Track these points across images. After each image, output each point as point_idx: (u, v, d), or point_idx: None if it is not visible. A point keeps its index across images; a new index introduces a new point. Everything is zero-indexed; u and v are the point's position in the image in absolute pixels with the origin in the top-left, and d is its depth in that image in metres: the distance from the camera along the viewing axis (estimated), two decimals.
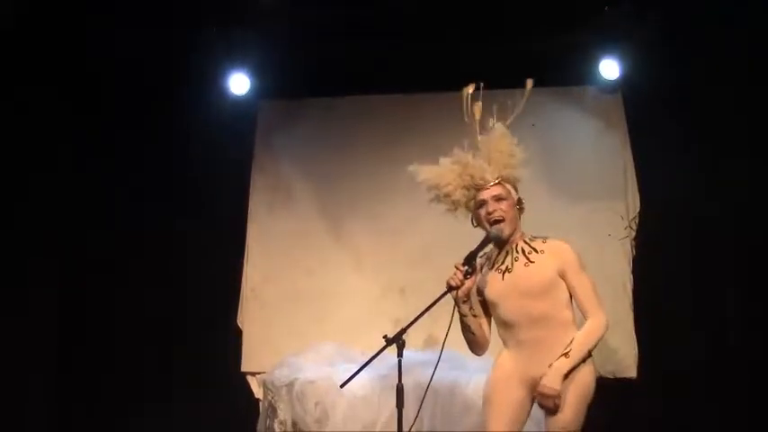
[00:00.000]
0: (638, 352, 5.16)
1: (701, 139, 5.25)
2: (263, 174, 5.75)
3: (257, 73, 5.55)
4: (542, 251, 3.63)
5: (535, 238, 3.71)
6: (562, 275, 3.58)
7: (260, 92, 5.64)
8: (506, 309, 3.62)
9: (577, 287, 3.56)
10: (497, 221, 3.65)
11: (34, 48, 5.33)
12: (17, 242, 5.35)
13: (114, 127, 5.68)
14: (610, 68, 5.32)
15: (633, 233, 5.34)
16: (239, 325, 5.57)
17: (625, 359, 5.16)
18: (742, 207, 5.14)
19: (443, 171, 3.78)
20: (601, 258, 5.28)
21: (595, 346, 3.55)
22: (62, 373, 5.54)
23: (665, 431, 5.02)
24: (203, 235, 5.55)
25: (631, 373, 5.16)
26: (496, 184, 3.68)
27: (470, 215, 3.79)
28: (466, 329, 3.69)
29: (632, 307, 5.24)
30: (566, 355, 3.47)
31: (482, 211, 3.68)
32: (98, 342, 5.53)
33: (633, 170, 5.39)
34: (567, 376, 3.48)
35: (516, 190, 3.77)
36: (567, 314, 3.58)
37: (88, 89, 5.67)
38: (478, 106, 3.81)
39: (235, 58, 5.48)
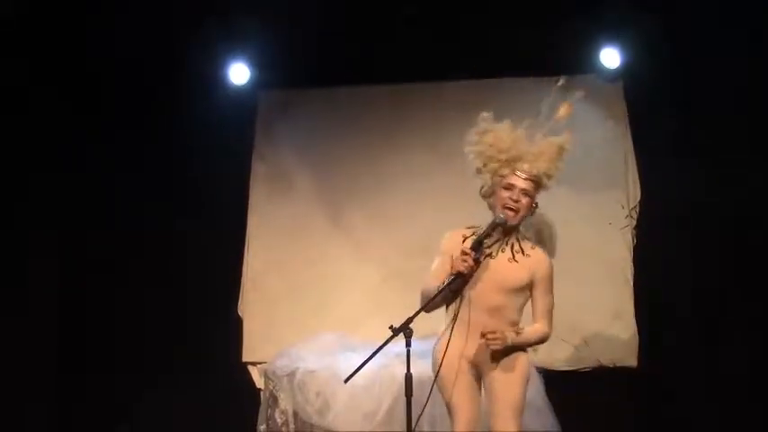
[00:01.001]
0: (639, 341, 5.17)
1: (701, 129, 5.23)
2: (264, 164, 5.75)
3: (257, 63, 5.55)
4: (528, 256, 3.71)
5: (526, 239, 3.76)
6: (532, 285, 3.70)
7: (260, 82, 5.64)
8: (473, 288, 3.66)
9: (541, 301, 3.71)
10: (510, 209, 3.67)
11: (34, 47, 5.33)
12: (17, 242, 5.36)
13: (114, 120, 5.67)
14: (611, 57, 5.31)
15: (634, 222, 5.34)
16: (240, 315, 5.58)
17: (625, 348, 5.17)
18: (742, 196, 5.13)
19: (502, 137, 3.73)
20: (601, 247, 5.30)
21: (534, 344, 3.74)
22: (62, 373, 5.54)
23: (665, 420, 5.02)
24: (203, 226, 5.56)
25: (632, 361, 5.16)
26: (532, 179, 3.69)
27: (483, 185, 3.78)
28: (441, 300, 3.70)
29: (633, 296, 5.24)
30: (516, 332, 3.62)
31: (504, 193, 3.69)
32: (98, 342, 5.53)
33: (634, 159, 5.38)
34: (505, 353, 3.60)
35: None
36: (516, 317, 3.71)
37: (88, 84, 5.66)
38: (569, 108, 3.80)
39: (234, 49, 5.49)
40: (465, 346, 3.66)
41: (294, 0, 5.17)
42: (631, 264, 5.30)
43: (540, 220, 3.97)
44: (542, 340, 3.74)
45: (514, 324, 3.68)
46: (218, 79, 5.57)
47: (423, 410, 3.63)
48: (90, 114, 5.69)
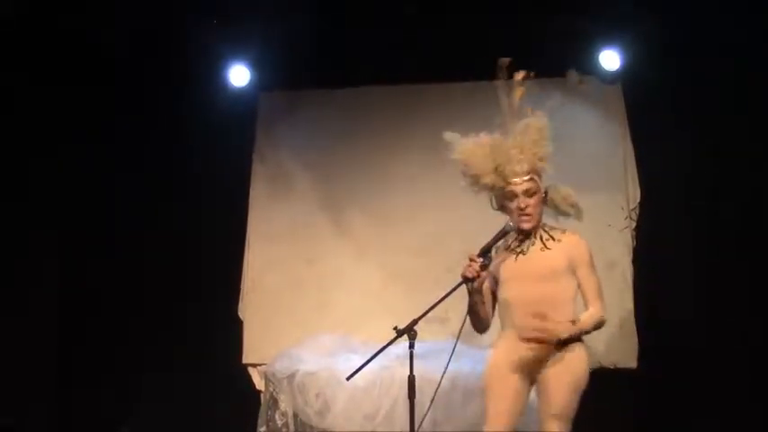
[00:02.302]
0: (639, 342, 5.17)
1: (701, 130, 5.24)
2: (264, 165, 5.76)
3: (257, 65, 5.56)
4: (560, 240, 3.70)
5: (554, 228, 3.77)
6: (574, 270, 3.66)
7: (260, 84, 5.66)
8: (512, 289, 3.66)
9: (586, 283, 3.66)
10: (524, 216, 3.67)
11: (34, 46, 5.33)
12: (17, 242, 5.36)
13: (114, 120, 5.67)
14: (610, 59, 5.32)
15: (633, 223, 5.34)
16: (240, 316, 5.58)
17: (625, 349, 5.16)
18: (742, 196, 5.13)
19: (477, 150, 3.74)
20: (601, 249, 5.25)
21: (593, 329, 3.65)
22: (62, 374, 5.54)
23: (665, 422, 5.02)
24: (204, 227, 5.56)
25: (632, 363, 5.16)
26: (529, 179, 3.69)
27: (491, 197, 3.79)
28: (473, 314, 3.72)
29: (633, 297, 5.24)
30: (573, 321, 3.55)
31: (513, 204, 3.70)
32: (98, 342, 5.53)
33: (633, 160, 5.39)
34: (562, 349, 3.53)
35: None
36: (568, 309, 3.62)
37: (88, 84, 5.64)
38: (520, 91, 3.80)
39: (235, 51, 5.50)
40: (513, 351, 3.63)
41: (295, 1, 5.17)
42: (631, 265, 5.30)
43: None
44: (600, 324, 3.64)
45: (567, 317, 3.58)
46: (218, 81, 5.58)
47: (426, 413, 3.63)
48: (90, 114, 5.68)
